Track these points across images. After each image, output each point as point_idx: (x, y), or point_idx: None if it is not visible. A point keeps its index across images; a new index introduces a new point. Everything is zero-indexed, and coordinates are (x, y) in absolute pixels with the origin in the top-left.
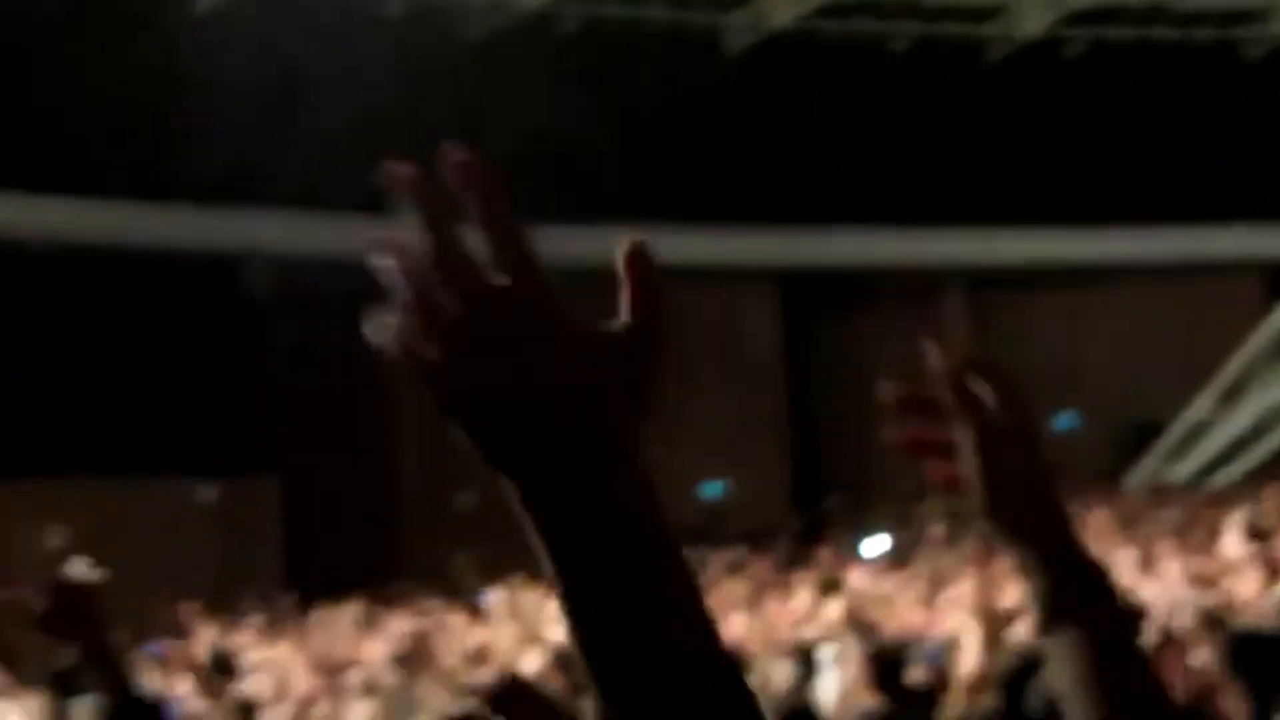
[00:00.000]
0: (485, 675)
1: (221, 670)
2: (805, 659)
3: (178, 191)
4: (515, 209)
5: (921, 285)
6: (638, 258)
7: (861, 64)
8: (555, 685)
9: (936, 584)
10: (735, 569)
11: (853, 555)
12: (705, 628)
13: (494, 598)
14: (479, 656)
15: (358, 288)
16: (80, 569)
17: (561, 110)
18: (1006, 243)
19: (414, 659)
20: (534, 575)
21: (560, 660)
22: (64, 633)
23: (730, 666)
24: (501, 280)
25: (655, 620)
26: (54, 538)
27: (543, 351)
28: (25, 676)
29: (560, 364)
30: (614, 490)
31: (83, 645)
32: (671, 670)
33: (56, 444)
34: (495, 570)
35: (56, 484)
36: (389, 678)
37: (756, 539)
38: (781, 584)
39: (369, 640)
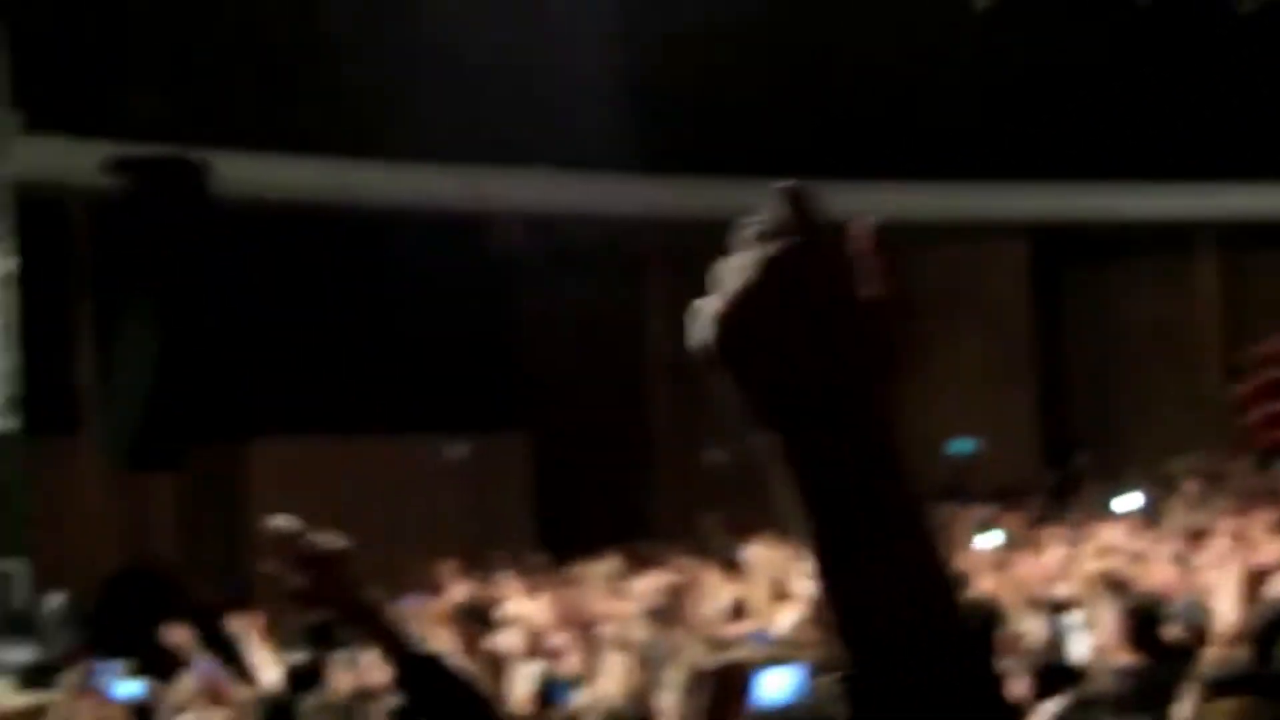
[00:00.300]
0: (742, 631)
1: (475, 625)
2: (1059, 616)
3: (429, 151)
4: (763, 166)
5: (1173, 240)
6: (877, 237)
7: (1110, 16)
8: (812, 641)
9: (1191, 540)
10: (987, 525)
11: (1105, 511)
12: (947, 588)
13: (747, 554)
14: (734, 612)
15: (609, 245)
16: (327, 538)
17: (812, 70)
18: (1259, 197)
19: (668, 614)
20: (784, 532)
21: (816, 616)
22: (319, 603)
23: (968, 629)
24: (795, 240)
25: (902, 577)
26: (281, 521)
27: (826, 311)
28: (284, 634)
29: (841, 326)
30: (872, 450)
31: (340, 613)
32: (915, 629)
33: (310, 403)
34: (745, 528)
35: (311, 442)
36: (643, 632)
37: (1008, 495)
38: (1033, 540)
39: (622, 596)
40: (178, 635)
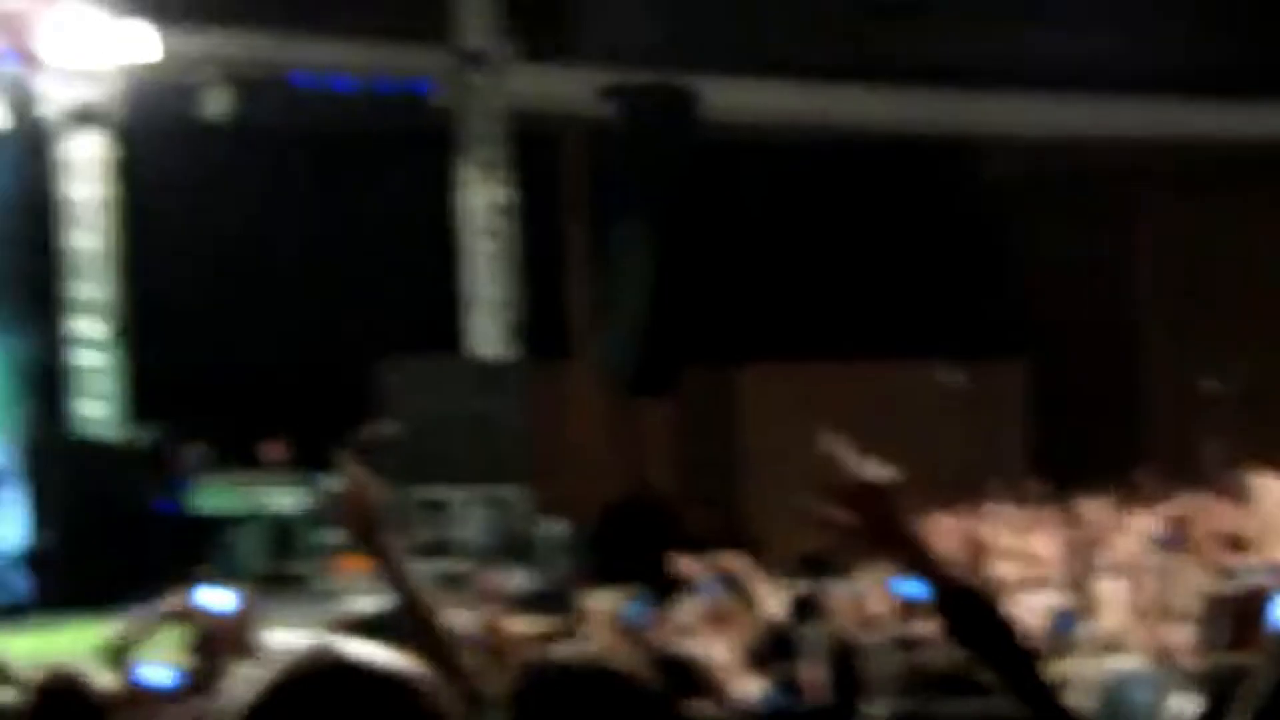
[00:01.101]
0: (1248, 562)
1: (973, 554)
2: None
3: (919, 75)
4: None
5: None
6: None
7: None
8: None
9: None
10: None
11: None
12: None
13: (1254, 484)
14: (1238, 543)
15: (1104, 170)
16: (875, 469)
17: None
18: None
19: (1173, 542)
20: None
21: None
22: (867, 539)
23: None
24: None
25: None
26: (834, 446)
27: None
28: (772, 563)
29: None
30: None
31: (888, 549)
32: None
33: (803, 327)
34: (1244, 457)
35: (803, 367)
36: (1146, 559)
37: None
38: None
39: (1122, 526)
40: (686, 565)
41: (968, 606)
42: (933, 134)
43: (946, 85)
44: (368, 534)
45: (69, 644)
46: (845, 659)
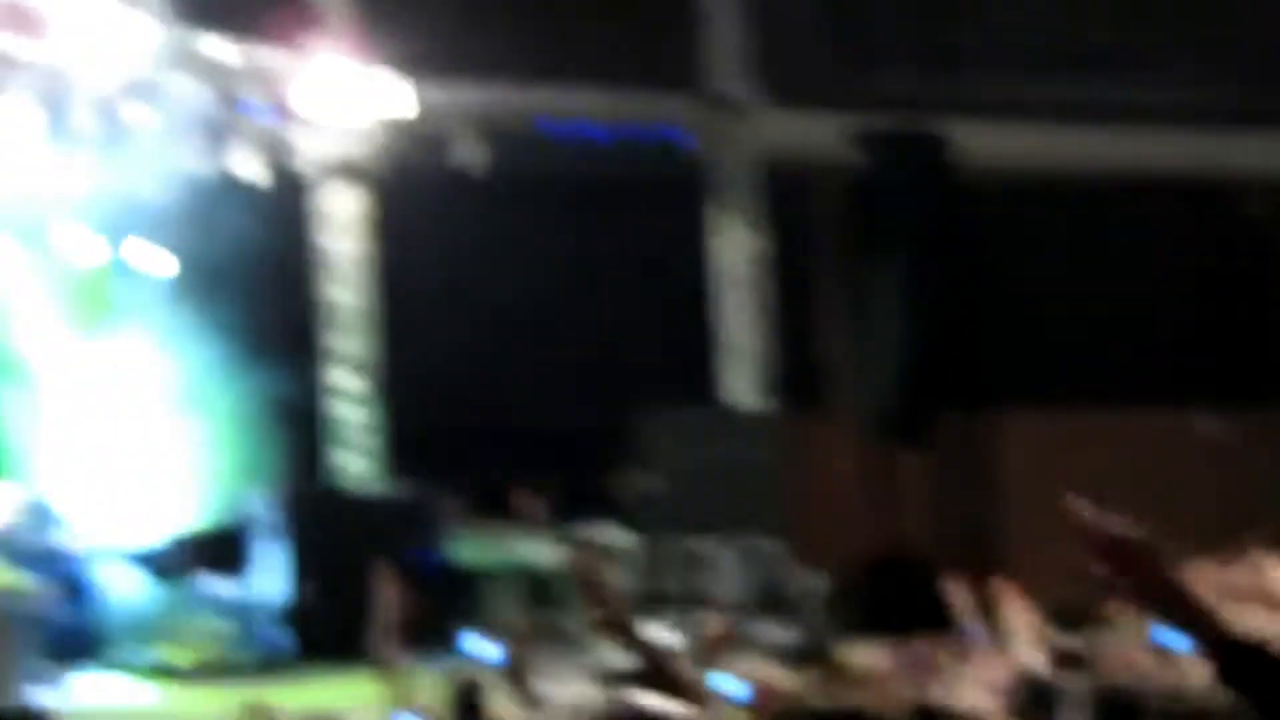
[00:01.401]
0: None
1: (1237, 605)
2: None
3: (1173, 115)
4: None
5: None
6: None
7: None
8: None
9: None
10: None
11: None
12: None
13: None
14: None
15: None
16: (1126, 524)
17: None
18: None
19: None
20: None
21: None
22: (1125, 591)
23: None
24: None
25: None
26: (1084, 508)
27: None
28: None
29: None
30: None
31: (1148, 600)
32: None
33: (1062, 375)
34: None
35: (1063, 415)
36: None
37: None
38: None
39: None
40: (954, 592)
41: (1247, 655)
42: (1190, 174)
43: (1202, 125)
44: (606, 617)
45: (330, 697)
46: (1112, 708)
